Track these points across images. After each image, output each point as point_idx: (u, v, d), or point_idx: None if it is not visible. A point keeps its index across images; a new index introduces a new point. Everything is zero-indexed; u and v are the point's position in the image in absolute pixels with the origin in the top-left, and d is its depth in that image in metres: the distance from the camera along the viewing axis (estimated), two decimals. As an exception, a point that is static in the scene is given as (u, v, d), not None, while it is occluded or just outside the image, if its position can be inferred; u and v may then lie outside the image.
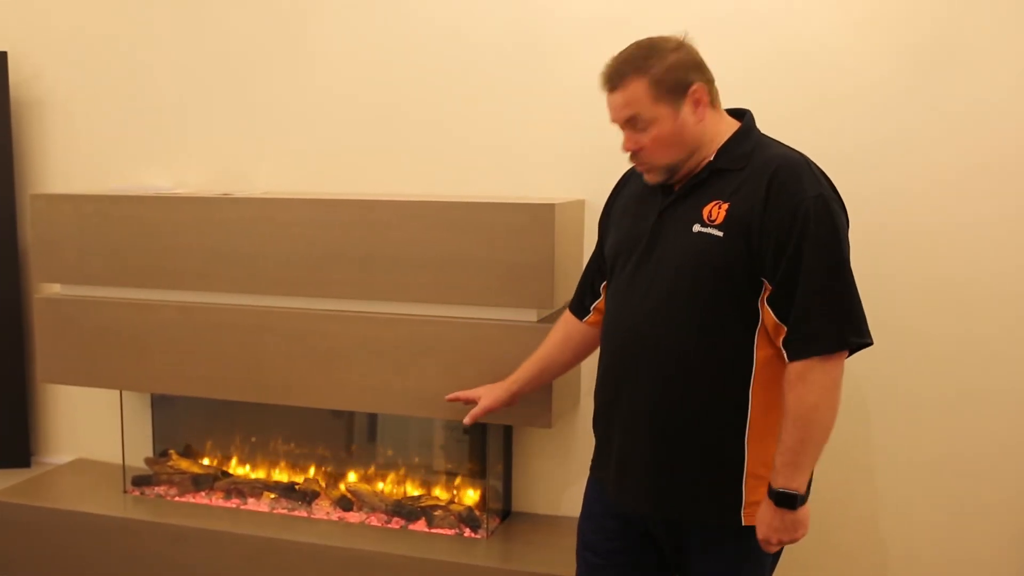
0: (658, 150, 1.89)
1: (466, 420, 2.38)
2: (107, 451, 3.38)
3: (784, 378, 1.81)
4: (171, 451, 3.24)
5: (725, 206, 1.84)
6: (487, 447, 2.86)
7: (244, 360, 2.79)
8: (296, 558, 2.74)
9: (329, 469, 3.08)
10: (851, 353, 1.80)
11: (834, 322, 1.76)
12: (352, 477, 3.04)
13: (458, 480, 2.94)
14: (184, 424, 3.27)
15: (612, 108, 1.92)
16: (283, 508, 2.98)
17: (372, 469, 3.03)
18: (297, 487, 3.03)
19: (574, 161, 2.80)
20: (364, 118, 3.01)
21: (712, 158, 1.90)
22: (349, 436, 3.08)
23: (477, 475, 2.91)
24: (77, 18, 3.29)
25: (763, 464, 1.85)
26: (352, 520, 2.90)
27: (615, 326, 2.00)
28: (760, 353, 1.84)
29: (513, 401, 2.35)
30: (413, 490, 2.98)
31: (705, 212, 1.86)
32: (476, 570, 2.59)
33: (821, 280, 1.76)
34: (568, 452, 2.90)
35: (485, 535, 2.78)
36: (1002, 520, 2.63)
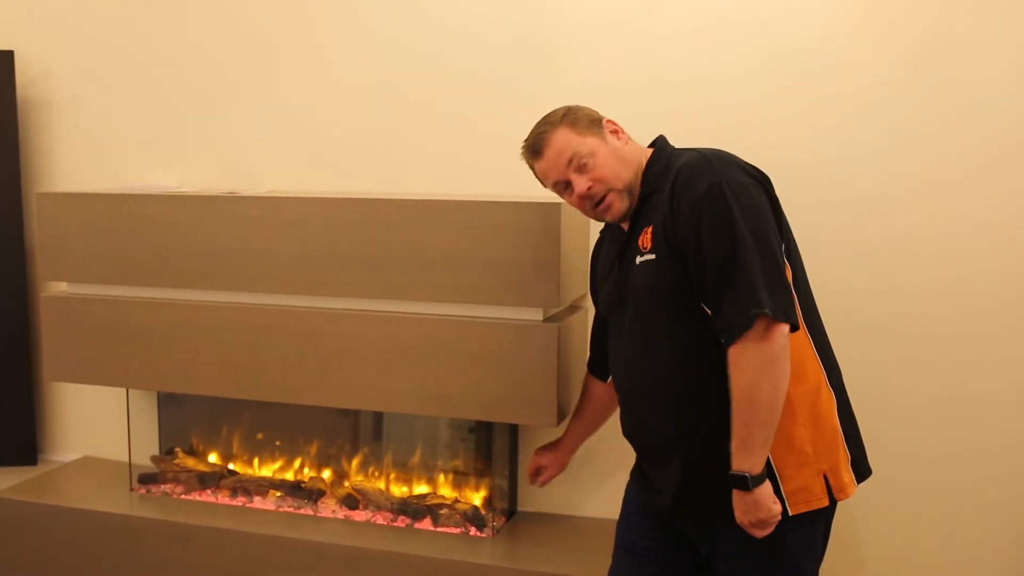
0: (607, 175, 1.95)
1: (539, 484, 2.59)
2: (113, 449, 3.38)
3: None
4: (177, 449, 3.24)
5: (649, 230, 1.91)
6: (493, 446, 2.86)
7: (250, 359, 2.79)
8: (302, 556, 2.74)
9: (335, 467, 3.08)
10: (793, 330, 1.80)
11: (741, 303, 1.78)
12: (358, 476, 3.04)
13: (464, 479, 2.94)
14: (190, 422, 3.28)
15: (550, 166, 2.00)
16: (289, 506, 2.99)
17: (378, 468, 3.04)
18: (303, 485, 3.03)
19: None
20: (371, 117, 3.01)
21: (641, 185, 1.98)
22: (355, 435, 3.09)
23: (483, 474, 2.91)
24: (83, 17, 3.30)
25: (793, 451, 1.86)
26: (358, 519, 2.90)
27: (615, 374, 2.12)
28: None
29: (568, 458, 2.57)
30: (419, 489, 2.98)
31: (640, 243, 1.93)
32: (481, 569, 2.59)
33: (723, 265, 1.79)
34: (574, 451, 2.90)
35: (491, 534, 2.78)
36: (1002, 520, 2.62)
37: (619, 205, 1.96)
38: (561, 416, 2.55)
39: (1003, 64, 2.50)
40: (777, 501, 1.85)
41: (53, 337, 3.01)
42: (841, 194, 2.61)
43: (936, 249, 2.58)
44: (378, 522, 2.88)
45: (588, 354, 2.44)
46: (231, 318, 2.80)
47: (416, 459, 3.01)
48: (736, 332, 1.77)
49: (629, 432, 2.10)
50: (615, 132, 2.01)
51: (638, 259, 1.93)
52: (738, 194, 1.81)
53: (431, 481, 2.98)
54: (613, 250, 2.07)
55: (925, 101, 2.55)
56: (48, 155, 3.40)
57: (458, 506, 2.86)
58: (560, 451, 2.53)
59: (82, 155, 3.36)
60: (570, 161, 1.95)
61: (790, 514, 1.87)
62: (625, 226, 2.02)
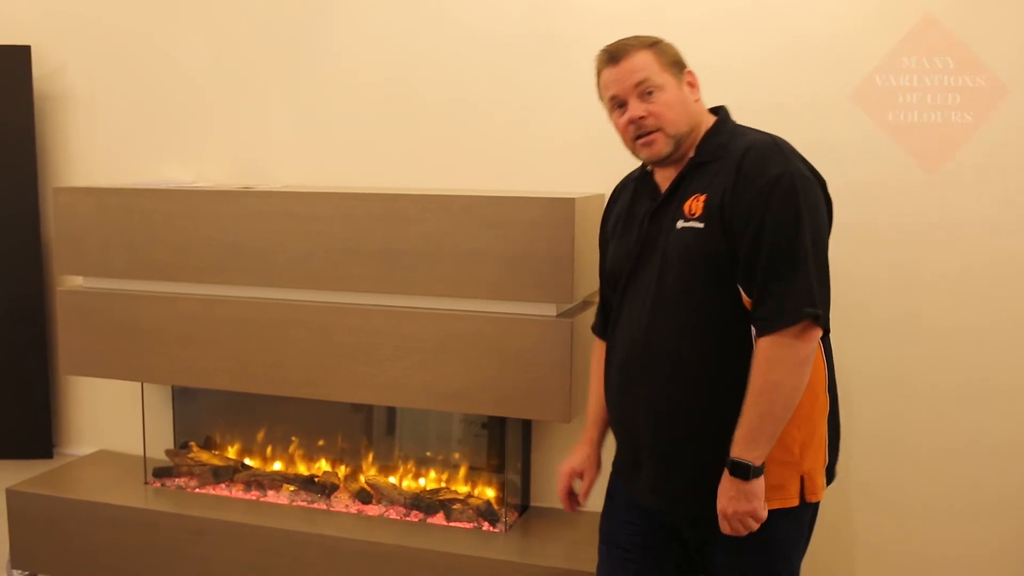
0: (667, 115, 1.90)
1: (582, 501, 2.25)
2: (128, 443, 3.40)
3: (754, 354, 1.81)
4: (192, 443, 3.26)
5: (703, 198, 1.87)
6: (505, 441, 2.87)
7: (264, 353, 2.80)
8: (315, 550, 2.75)
9: (348, 462, 3.09)
10: (825, 334, 1.80)
11: (791, 298, 1.76)
12: (371, 470, 3.05)
13: (477, 474, 2.94)
14: (205, 416, 3.29)
15: (618, 78, 1.92)
16: (302, 501, 3.00)
17: (391, 462, 3.04)
18: (316, 480, 3.04)
19: (593, 155, 2.80)
20: (386, 112, 3.02)
21: (692, 154, 1.93)
22: (368, 429, 3.09)
23: (495, 469, 2.92)
24: (99, 13, 3.31)
25: (782, 447, 1.85)
26: (371, 513, 2.91)
27: (619, 338, 2.01)
28: None
29: (597, 450, 2.23)
30: (432, 484, 2.99)
31: (686, 208, 1.88)
32: (494, 564, 2.59)
33: (781, 256, 1.77)
34: (587, 447, 2.90)
35: (503, 529, 2.78)
36: (1010, 515, 2.61)
37: (661, 147, 1.91)
38: (575, 412, 2.55)
39: (1018, 53, 2.49)
40: (765, 504, 1.84)
41: (69, 331, 3.02)
42: (863, 180, 2.59)
43: (959, 237, 2.57)
44: (391, 517, 2.88)
45: (596, 317, 2.21)
46: (245, 313, 2.81)
47: (429, 454, 3.01)
48: (778, 324, 1.76)
49: (616, 402, 2.02)
50: (691, 84, 1.96)
51: (680, 223, 1.87)
52: (806, 189, 1.80)
53: (444, 476, 2.98)
54: (641, 206, 2.00)
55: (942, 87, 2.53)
56: (64, 150, 3.42)
57: (471, 501, 2.86)
58: (584, 448, 2.21)
59: (98, 150, 3.38)
60: (639, 83, 1.90)
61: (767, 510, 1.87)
62: (663, 185, 1.96)
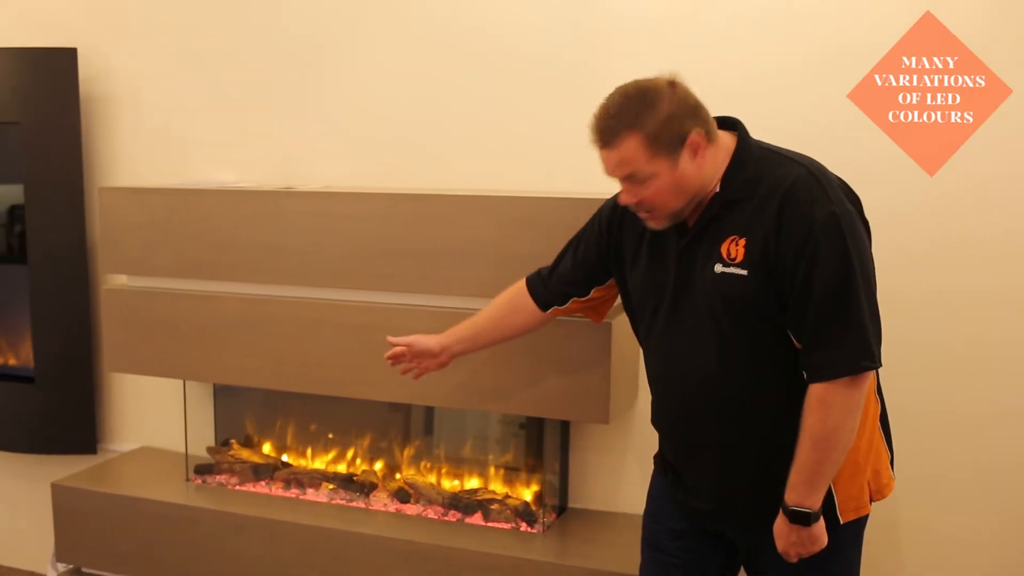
0: (657, 199, 1.83)
1: (389, 338, 2.33)
2: (170, 440, 3.43)
3: (805, 398, 1.78)
4: (232, 441, 3.29)
5: (742, 242, 1.80)
6: (544, 442, 2.86)
7: (304, 352, 2.82)
8: (354, 549, 2.76)
9: (387, 461, 3.10)
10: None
11: (846, 347, 1.73)
12: (409, 469, 3.06)
13: (515, 475, 2.94)
14: (245, 414, 3.32)
15: (606, 163, 1.86)
16: (341, 499, 3.01)
17: (429, 462, 3.05)
18: (355, 479, 3.06)
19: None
20: (424, 113, 3.02)
21: (718, 189, 1.84)
22: (407, 428, 3.10)
23: (534, 470, 2.91)
24: (144, 16, 3.35)
25: (849, 461, 1.84)
26: (409, 512, 2.92)
27: (666, 376, 1.99)
28: None
29: (440, 354, 2.29)
30: (470, 484, 2.99)
31: (724, 251, 1.82)
32: (532, 565, 2.59)
33: (831, 303, 1.72)
34: (625, 448, 2.89)
35: (541, 530, 2.78)
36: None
37: (658, 223, 1.88)
38: (614, 413, 2.54)
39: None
40: (825, 532, 1.83)
41: (113, 329, 3.06)
42: (894, 195, 2.55)
43: (994, 252, 2.52)
44: (429, 516, 2.89)
45: (539, 273, 2.26)
46: (285, 312, 2.83)
47: (467, 454, 3.01)
48: (832, 374, 1.73)
49: (673, 440, 2.03)
50: (695, 150, 1.80)
51: (719, 268, 1.82)
52: (852, 227, 1.75)
53: (482, 476, 2.99)
54: (668, 237, 1.93)
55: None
56: (110, 150, 3.46)
57: (509, 501, 2.86)
58: (433, 337, 2.29)
59: (142, 151, 3.42)
60: (626, 176, 1.84)
61: (841, 523, 1.86)
62: (690, 217, 1.89)
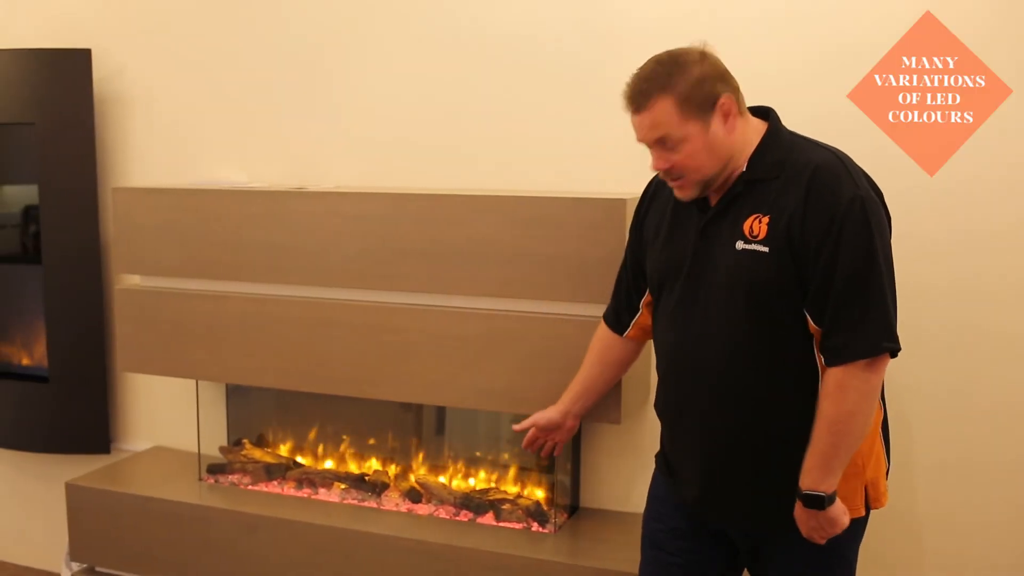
0: (690, 167, 1.84)
1: (515, 428, 2.43)
2: (183, 439, 3.45)
3: (822, 382, 1.78)
4: (245, 440, 3.29)
5: (766, 219, 1.81)
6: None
7: (315, 352, 2.82)
8: (365, 548, 2.77)
9: (398, 461, 3.10)
10: (892, 356, 1.78)
11: (867, 328, 1.74)
12: (421, 469, 3.06)
13: (526, 475, 2.94)
14: (257, 414, 3.33)
15: (638, 129, 1.87)
16: (353, 499, 3.01)
17: (441, 462, 3.05)
18: (367, 478, 3.06)
19: (642, 156, 2.75)
20: (435, 112, 3.02)
21: (744, 169, 1.85)
22: (418, 428, 3.10)
23: (545, 470, 2.91)
24: (157, 17, 3.36)
25: (850, 462, 1.83)
26: (421, 512, 2.92)
27: (675, 353, 1.98)
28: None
29: (566, 421, 2.37)
30: (481, 483, 2.99)
31: (746, 228, 1.83)
32: (543, 564, 2.59)
33: (854, 284, 1.73)
34: (637, 448, 2.88)
35: (553, 530, 2.77)
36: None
37: (689, 192, 1.88)
38: (625, 413, 2.54)
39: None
40: (846, 511, 1.83)
41: (126, 329, 3.07)
42: (894, 196, 2.54)
43: (994, 252, 2.51)
44: (441, 516, 2.89)
45: (610, 307, 2.28)
46: (297, 312, 2.83)
47: (479, 453, 3.01)
48: (852, 355, 1.74)
49: (672, 415, 2.03)
50: (726, 115, 1.83)
51: (740, 244, 1.83)
52: (877, 213, 1.77)
53: (494, 476, 2.98)
54: (687, 215, 1.95)
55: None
56: (123, 151, 3.48)
57: (520, 501, 2.86)
58: (552, 408, 2.37)
59: (155, 151, 3.43)
60: (658, 139, 1.84)
61: None
62: (712, 196, 1.91)
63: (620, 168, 2.80)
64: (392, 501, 2.99)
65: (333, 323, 2.79)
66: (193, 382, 3.23)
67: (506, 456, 2.98)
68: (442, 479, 3.02)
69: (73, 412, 3.48)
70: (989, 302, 2.53)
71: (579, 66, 2.83)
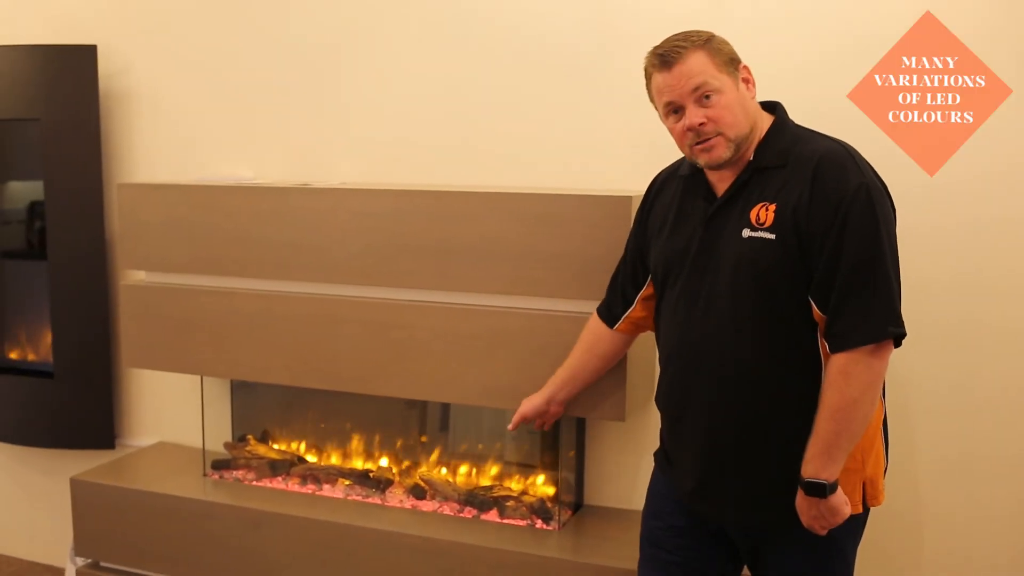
0: (726, 118, 1.84)
1: (509, 427, 2.46)
2: (188, 435, 3.45)
3: (825, 371, 1.79)
4: (249, 436, 3.30)
5: (772, 207, 1.82)
6: (560, 439, 2.86)
7: (321, 348, 2.83)
8: (370, 544, 2.77)
9: (403, 457, 3.11)
10: (896, 345, 1.78)
11: (873, 314, 1.74)
12: (425, 466, 3.07)
13: (531, 472, 2.94)
14: (262, 410, 3.33)
15: (672, 83, 1.85)
16: (357, 495, 3.02)
17: (445, 458, 3.06)
18: (371, 475, 3.06)
19: (649, 153, 2.77)
20: (441, 109, 3.02)
21: (752, 157, 1.87)
22: (423, 425, 3.11)
23: (550, 467, 2.92)
24: (163, 13, 3.37)
25: (849, 456, 1.83)
26: (425, 508, 2.92)
27: (678, 343, 1.98)
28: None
29: (549, 407, 2.40)
30: (485, 480, 2.99)
31: (753, 216, 1.84)
32: (547, 562, 2.59)
33: (860, 270, 1.75)
34: (641, 445, 2.88)
35: (557, 527, 2.78)
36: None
37: (721, 152, 1.86)
38: (629, 410, 2.54)
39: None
40: (847, 500, 1.83)
41: (131, 325, 3.08)
42: (894, 196, 2.54)
43: (994, 252, 2.51)
44: (445, 512, 2.89)
45: (604, 301, 2.30)
46: (302, 309, 2.84)
47: (483, 450, 3.02)
48: (857, 341, 1.74)
49: (673, 408, 2.03)
50: (747, 81, 1.89)
51: (747, 232, 1.84)
52: (882, 202, 1.79)
53: (498, 473, 2.99)
54: (693, 206, 1.96)
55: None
56: (128, 147, 3.48)
57: (525, 498, 2.86)
58: (537, 395, 2.42)
59: (161, 147, 3.43)
60: (696, 88, 1.83)
61: None
62: (718, 187, 1.93)
63: (626, 165, 2.81)
64: (396, 497, 2.99)
65: (339, 320, 2.80)
66: (197, 378, 3.24)
67: (510, 453, 2.99)
68: (447, 476, 3.03)
69: (78, 408, 3.49)
70: (989, 300, 2.53)
71: (585, 63, 2.84)
